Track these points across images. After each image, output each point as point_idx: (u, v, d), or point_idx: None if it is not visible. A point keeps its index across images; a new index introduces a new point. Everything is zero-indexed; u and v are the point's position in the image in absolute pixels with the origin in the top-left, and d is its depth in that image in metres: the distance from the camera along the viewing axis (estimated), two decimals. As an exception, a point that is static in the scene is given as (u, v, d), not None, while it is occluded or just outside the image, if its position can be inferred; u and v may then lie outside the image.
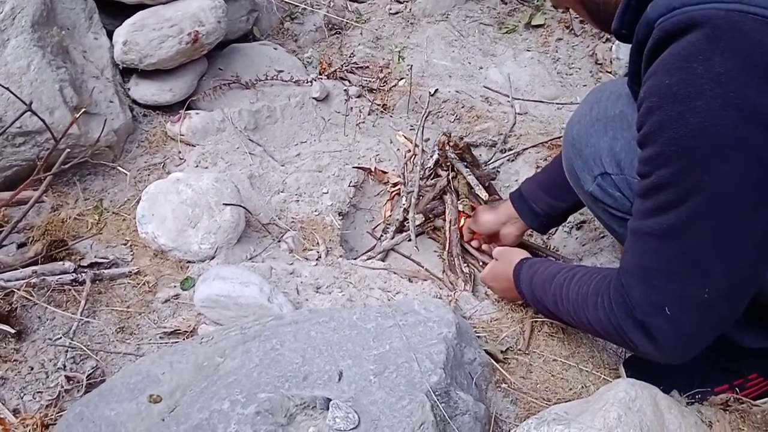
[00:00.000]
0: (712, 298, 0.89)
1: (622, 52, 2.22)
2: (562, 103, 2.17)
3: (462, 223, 1.73)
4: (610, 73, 2.26)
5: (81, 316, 1.30)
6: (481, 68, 2.30)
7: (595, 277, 1.07)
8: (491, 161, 1.97)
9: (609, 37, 2.33)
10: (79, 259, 1.43)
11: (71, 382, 1.19)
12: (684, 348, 0.95)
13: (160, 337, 1.32)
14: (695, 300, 0.90)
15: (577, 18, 2.42)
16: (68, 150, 1.46)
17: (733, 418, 1.15)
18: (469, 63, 2.32)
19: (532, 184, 1.53)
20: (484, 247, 1.69)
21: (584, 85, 2.26)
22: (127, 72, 1.85)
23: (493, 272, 1.45)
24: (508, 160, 2.00)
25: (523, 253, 1.39)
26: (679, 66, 0.82)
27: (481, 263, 1.70)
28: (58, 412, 1.14)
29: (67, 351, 1.24)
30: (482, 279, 1.53)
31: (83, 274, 1.38)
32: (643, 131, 0.89)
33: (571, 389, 1.24)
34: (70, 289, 1.36)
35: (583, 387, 1.24)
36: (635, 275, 0.96)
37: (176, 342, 1.29)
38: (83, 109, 1.45)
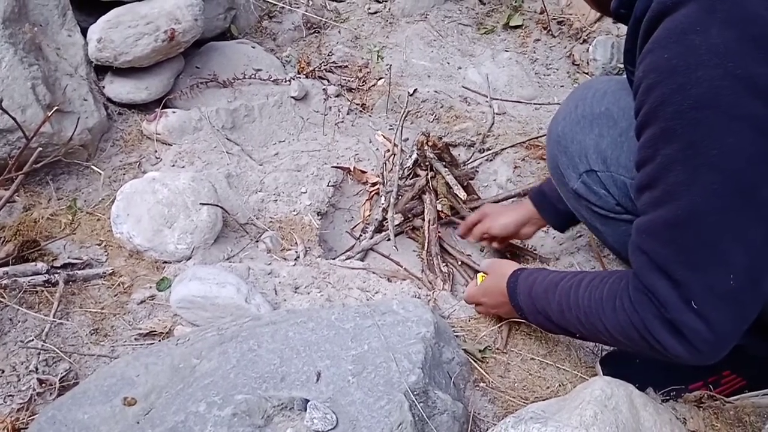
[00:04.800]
0: (738, 285, 0.85)
1: (598, 52, 2.25)
2: (539, 104, 2.18)
3: (436, 223, 1.73)
4: (587, 74, 2.28)
5: (54, 317, 1.28)
6: (460, 68, 2.31)
7: (607, 280, 1.01)
8: (470, 161, 1.97)
9: (586, 38, 2.36)
10: (52, 260, 1.41)
11: (44, 385, 1.17)
12: (716, 345, 0.89)
13: (135, 339, 1.30)
14: (722, 290, 0.86)
15: (554, 19, 2.44)
16: (40, 149, 1.43)
17: (707, 415, 1.16)
18: (448, 63, 2.32)
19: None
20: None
21: (561, 86, 2.27)
22: (101, 70, 1.82)
23: (483, 288, 1.34)
24: (487, 159, 2.00)
25: (514, 264, 1.31)
26: (677, 39, 0.81)
27: (460, 263, 1.71)
28: (30, 416, 1.12)
29: (39, 353, 1.22)
30: (469, 297, 1.39)
31: (56, 275, 1.35)
32: (644, 110, 0.87)
33: (548, 387, 1.24)
34: (42, 291, 1.33)
35: (560, 385, 1.25)
36: (654, 271, 0.90)
37: (152, 343, 1.27)
38: (56, 107, 1.43)
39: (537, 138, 1.98)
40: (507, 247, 1.76)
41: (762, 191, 0.83)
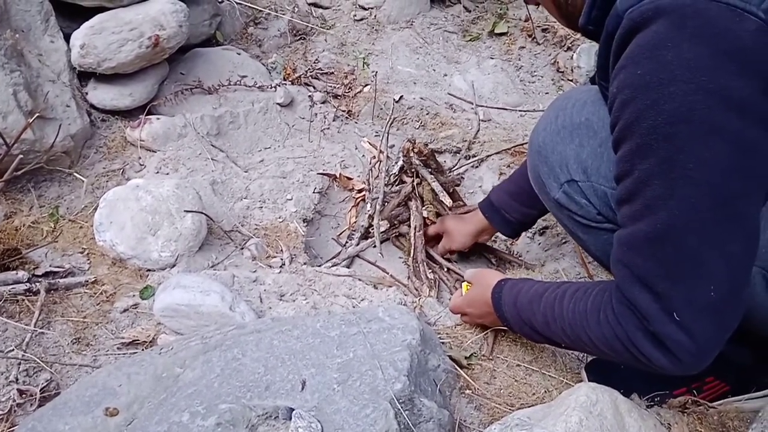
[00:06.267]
0: (719, 296, 0.86)
1: (583, 60, 2.27)
2: (525, 111, 2.19)
3: (422, 230, 1.74)
4: (571, 81, 2.30)
5: (35, 327, 1.27)
6: (446, 75, 2.31)
7: (591, 292, 1.02)
8: (455, 168, 1.98)
9: (570, 45, 2.38)
10: (34, 268, 1.39)
11: (24, 395, 1.15)
12: (699, 356, 0.90)
13: (118, 348, 1.29)
14: (703, 301, 0.87)
15: (539, 26, 2.45)
16: (21, 156, 1.41)
17: (691, 420, 1.17)
18: (434, 70, 2.33)
19: (502, 194, 1.54)
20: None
21: (546, 93, 2.29)
22: (84, 76, 1.80)
23: (468, 298, 1.36)
24: (472, 166, 2.01)
25: (499, 275, 1.32)
26: (649, 55, 0.82)
27: (446, 269, 1.71)
28: (10, 428, 1.10)
29: (19, 363, 1.20)
30: (454, 307, 1.41)
31: (37, 284, 1.34)
32: (619, 126, 0.88)
33: (534, 394, 1.25)
34: (23, 300, 1.32)
35: (546, 391, 1.25)
36: (636, 284, 0.91)
37: (134, 353, 1.26)
38: (37, 114, 1.41)
39: (522, 145, 1.99)
40: (491, 252, 1.77)
41: (739, 203, 0.85)
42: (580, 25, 0.98)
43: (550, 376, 1.29)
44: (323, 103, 2.11)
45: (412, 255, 1.70)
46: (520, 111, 2.19)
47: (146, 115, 1.82)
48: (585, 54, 2.26)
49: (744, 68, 0.79)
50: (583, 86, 1.34)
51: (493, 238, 1.83)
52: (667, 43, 0.80)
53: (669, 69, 0.80)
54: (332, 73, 2.23)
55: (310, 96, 2.10)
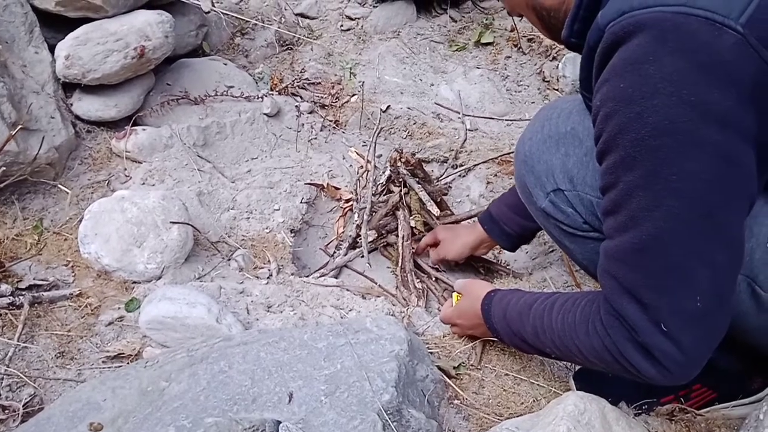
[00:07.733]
0: (705, 306, 0.87)
1: (568, 69, 2.28)
2: (511, 120, 2.20)
3: (411, 239, 1.73)
4: (557, 90, 2.32)
5: (18, 341, 1.25)
6: (432, 85, 2.32)
7: (580, 303, 1.03)
8: (443, 177, 1.98)
9: (555, 55, 2.39)
10: (17, 282, 1.38)
11: (6, 411, 1.13)
12: (687, 366, 0.91)
13: (103, 362, 1.27)
14: (690, 311, 0.88)
15: (524, 36, 2.47)
16: (4, 168, 1.40)
17: (679, 428, 1.17)
18: (421, 80, 2.34)
19: (502, 206, 1.54)
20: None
21: (532, 102, 2.30)
22: (69, 87, 1.79)
23: (458, 309, 1.37)
24: (460, 175, 2.02)
25: (488, 286, 1.33)
26: (632, 69, 0.83)
27: (434, 279, 1.71)
28: (-8, 444, 1.08)
29: (2, 378, 1.18)
30: (445, 318, 1.42)
31: (21, 297, 1.32)
32: (603, 138, 0.89)
33: (522, 403, 1.24)
34: (6, 314, 1.30)
35: (534, 401, 1.25)
36: (624, 295, 0.92)
37: (119, 366, 1.24)
38: (20, 126, 1.40)
39: (509, 154, 2.00)
40: (479, 261, 1.77)
41: (723, 213, 0.86)
42: (563, 37, 0.99)
43: (538, 385, 1.29)
44: (310, 113, 2.11)
45: (400, 265, 1.70)
46: (506, 120, 2.20)
47: (132, 126, 1.81)
48: (570, 64, 2.27)
49: (723, 82, 0.80)
50: (569, 96, 1.35)
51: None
52: (649, 57, 0.81)
53: (651, 82, 0.82)
54: (319, 83, 2.23)
55: (297, 106, 2.10)
